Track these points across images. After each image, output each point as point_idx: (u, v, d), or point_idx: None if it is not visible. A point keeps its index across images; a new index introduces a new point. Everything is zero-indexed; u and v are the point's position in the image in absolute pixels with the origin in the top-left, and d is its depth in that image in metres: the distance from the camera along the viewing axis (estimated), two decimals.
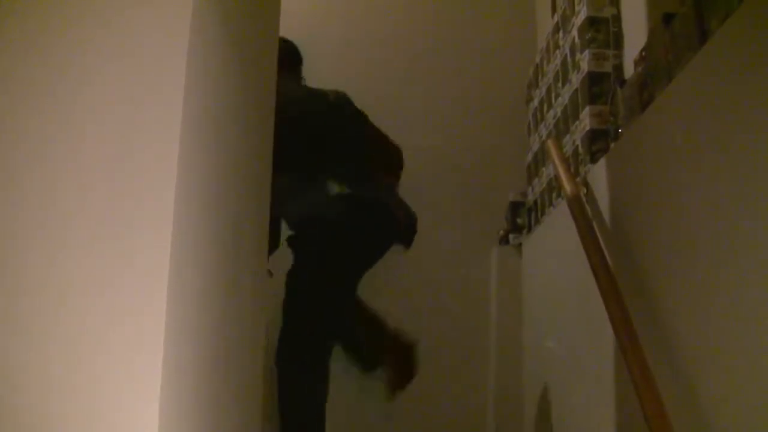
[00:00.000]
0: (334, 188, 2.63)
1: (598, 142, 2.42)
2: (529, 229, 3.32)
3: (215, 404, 1.41)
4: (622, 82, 2.26)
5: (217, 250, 1.41)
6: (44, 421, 1.10)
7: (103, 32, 1.25)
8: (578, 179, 2.46)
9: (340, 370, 3.23)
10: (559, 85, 2.88)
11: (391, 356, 2.83)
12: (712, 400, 1.51)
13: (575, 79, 2.62)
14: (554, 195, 2.88)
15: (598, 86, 2.44)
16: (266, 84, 1.83)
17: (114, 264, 1.15)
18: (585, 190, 2.39)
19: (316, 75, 3.59)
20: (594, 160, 2.39)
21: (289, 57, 2.95)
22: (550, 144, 2.70)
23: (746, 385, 1.38)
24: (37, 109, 1.22)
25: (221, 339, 1.44)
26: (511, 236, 3.44)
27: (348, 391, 3.03)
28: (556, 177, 2.60)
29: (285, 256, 2.77)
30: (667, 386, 1.64)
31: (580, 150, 2.53)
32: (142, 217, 1.16)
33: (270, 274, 2.33)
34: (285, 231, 2.71)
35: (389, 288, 3.13)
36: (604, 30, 2.48)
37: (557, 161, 2.55)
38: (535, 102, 3.33)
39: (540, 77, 3.26)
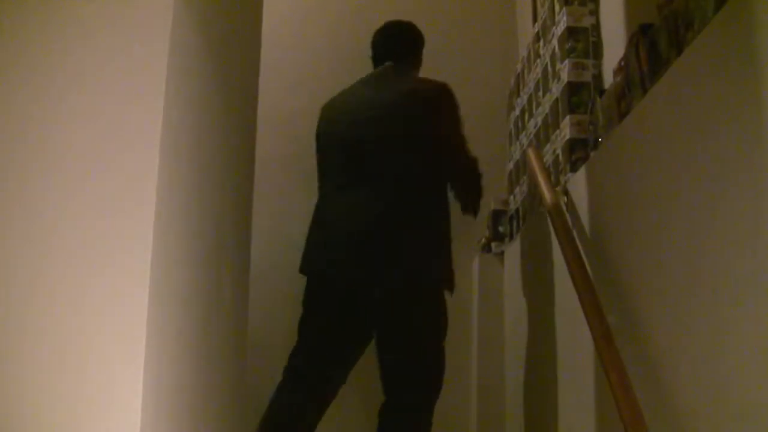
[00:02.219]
0: None
1: (578, 151, 2.44)
2: (511, 238, 3.33)
3: (198, 406, 1.41)
4: (602, 91, 2.29)
5: (198, 254, 1.41)
6: (27, 417, 1.10)
7: (85, 42, 1.25)
8: (558, 188, 2.48)
9: None
10: (540, 94, 2.90)
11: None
12: (688, 405, 1.53)
13: (555, 89, 2.65)
14: (535, 203, 2.90)
15: (577, 96, 2.47)
16: (249, 89, 1.84)
17: (96, 267, 1.15)
18: (565, 199, 2.41)
19: (298, 81, 3.61)
20: (574, 169, 2.41)
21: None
22: (531, 153, 2.72)
23: (722, 391, 1.39)
24: (20, 115, 1.22)
25: (203, 341, 1.45)
26: (492, 245, 3.45)
27: None
28: (537, 186, 2.62)
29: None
30: (644, 391, 1.65)
31: (561, 159, 2.55)
32: (123, 221, 1.17)
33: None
34: None
35: None
36: (583, 40, 2.50)
37: (537, 170, 2.56)
38: (517, 111, 3.35)
39: (521, 86, 3.28)
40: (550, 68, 2.76)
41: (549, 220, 2.31)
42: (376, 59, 2.86)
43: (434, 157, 2.56)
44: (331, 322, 2.51)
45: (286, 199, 3.55)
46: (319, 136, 2.73)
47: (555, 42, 2.68)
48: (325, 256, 2.51)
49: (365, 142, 2.55)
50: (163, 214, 1.20)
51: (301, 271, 2.58)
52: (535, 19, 3.16)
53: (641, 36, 1.89)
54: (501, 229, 3.45)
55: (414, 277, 2.45)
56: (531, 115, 3.05)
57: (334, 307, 2.51)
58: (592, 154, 2.29)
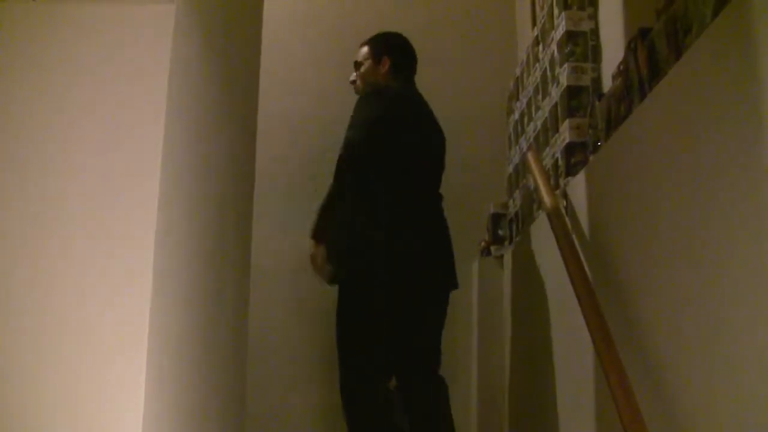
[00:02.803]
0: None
1: (578, 154, 2.44)
2: (510, 241, 3.34)
3: (199, 406, 1.41)
4: (601, 95, 2.29)
5: (200, 255, 1.42)
6: (29, 417, 1.11)
7: (87, 44, 1.26)
8: (558, 191, 2.49)
9: (321, 378, 3.24)
10: (539, 98, 2.91)
11: None
12: (688, 407, 1.53)
13: (555, 93, 2.65)
14: (535, 207, 2.91)
15: (576, 99, 2.47)
16: (249, 91, 1.84)
17: (98, 267, 1.16)
18: (564, 203, 2.41)
19: (298, 84, 3.61)
20: (573, 172, 2.41)
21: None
22: (530, 156, 2.72)
23: (721, 393, 1.40)
24: (22, 115, 1.23)
25: (205, 342, 1.45)
26: (492, 248, 3.46)
27: (333, 389, 3.04)
28: (536, 189, 2.63)
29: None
30: (644, 394, 1.66)
31: (560, 162, 2.56)
32: (125, 221, 1.17)
33: None
34: None
35: None
36: (582, 44, 2.51)
37: (537, 174, 2.57)
38: (516, 115, 3.36)
39: (520, 90, 3.29)
40: (549, 72, 2.77)
41: (549, 223, 2.32)
42: (406, 68, 3.06)
43: None
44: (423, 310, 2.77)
45: (286, 201, 3.56)
46: (397, 141, 2.81)
47: (554, 46, 2.69)
48: (422, 256, 2.75)
49: (433, 159, 2.91)
50: (165, 215, 1.21)
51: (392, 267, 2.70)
52: (534, 23, 3.17)
53: (640, 40, 1.90)
54: (500, 232, 3.46)
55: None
56: (530, 119, 3.06)
57: (423, 298, 2.75)
58: (591, 157, 2.30)
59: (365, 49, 3.06)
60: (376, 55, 3.02)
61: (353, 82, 3.06)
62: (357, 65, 3.07)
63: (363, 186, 2.76)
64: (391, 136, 2.77)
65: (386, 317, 2.69)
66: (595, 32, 2.52)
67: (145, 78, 1.23)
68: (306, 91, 3.64)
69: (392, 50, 3.03)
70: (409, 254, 2.69)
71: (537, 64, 2.97)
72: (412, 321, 2.73)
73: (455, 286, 2.87)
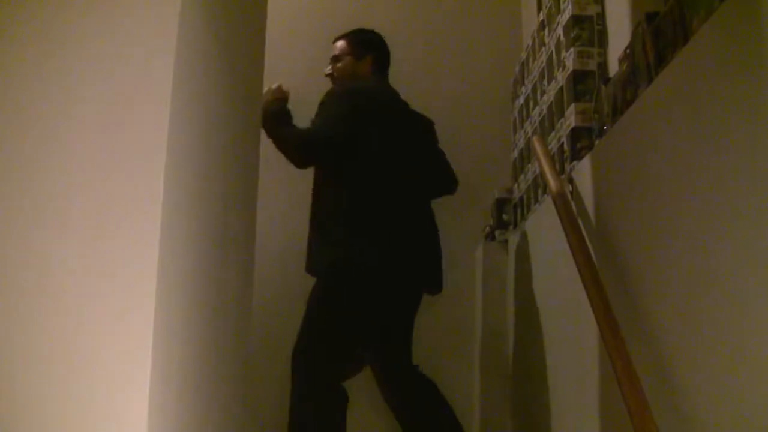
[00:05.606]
0: None
1: (583, 139, 2.44)
2: (515, 226, 3.34)
3: (202, 403, 1.42)
4: (607, 79, 2.28)
5: (204, 254, 1.42)
6: (32, 416, 1.11)
7: (91, 41, 1.25)
8: (563, 176, 2.48)
9: None
10: (545, 82, 2.90)
11: None
12: (694, 394, 1.54)
13: (560, 77, 2.64)
14: (540, 191, 2.90)
15: (582, 84, 2.46)
16: (253, 86, 1.83)
17: (103, 268, 1.15)
18: (570, 187, 2.41)
19: (306, 74, 3.60)
20: (579, 157, 2.41)
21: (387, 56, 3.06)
22: (536, 141, 2.72)
23: (728, 380, 1.40)
24: (24, 116, 1.22)
25: (208, 339, 1.45)
26: (497, 232, 3.46)
27: None
28: (541, 174, 2.63)
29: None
30: (650, 381, 1.66)
31: (565, 147, 2.55)
32: (130, 219, 1.17)
33: None
34: None
35: None
36: (588, 28, 2.50)
37: (542, 158, 2.57)
38: (521, 99, 3.35)
39: (526, 74, 3.28)
40: (554, 56, 2.76)
41: (554, 207, 2.31)
42: (386, 66, 3.03)
43: None
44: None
45: (289, 197, 3.55)
46: (377, 130, 2.74)
47: (560, 30, 2.68)
48: (405, 260, 2.69)
49: (415, 156, 2.85)
50: (169, 213, 1.20)
51: (373, 265, 2.63)
52: (539, 8, 3.15)
53: (647, 24, 1.89)
54: (505, 217, 3.46)
55: None
56: (536, 104, 3.05)
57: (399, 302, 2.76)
58: (596, 142, 2.29)
59: (343, 43, 2.98)
60: (357, 51, 2.96)
61: (330, 74, 2.98)
62: (335, 59, 2.98)
63: (342, 181, 2.68)
64: (373, 129, 2.71)
65: (366, 316, 2.65)
66: (602, 16, 2.51)
67: (149, 70, 1.22)
68: (309, 86, 3.63)
69: (374, 48, 2.98)
70: (392, 257, 2.63)
71: (543, 49, 2.96)
72: (390, 321, 2.73)
73: (439, 289, 2.82)
